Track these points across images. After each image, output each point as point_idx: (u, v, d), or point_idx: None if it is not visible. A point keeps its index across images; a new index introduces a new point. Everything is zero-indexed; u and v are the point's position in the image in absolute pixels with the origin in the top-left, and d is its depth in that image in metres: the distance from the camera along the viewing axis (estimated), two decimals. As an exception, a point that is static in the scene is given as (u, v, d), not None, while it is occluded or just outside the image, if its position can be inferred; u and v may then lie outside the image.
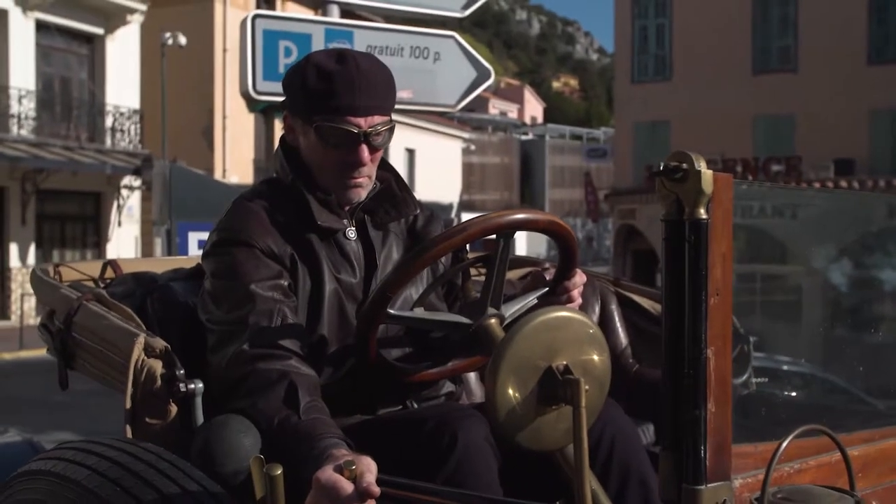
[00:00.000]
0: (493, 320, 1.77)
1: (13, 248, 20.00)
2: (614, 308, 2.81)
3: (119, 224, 22.14)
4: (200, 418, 1.73)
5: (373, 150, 1.88)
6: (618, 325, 2.73)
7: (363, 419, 1.82)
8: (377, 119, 1.86)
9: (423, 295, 1.89)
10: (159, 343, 1.79)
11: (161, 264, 2.55)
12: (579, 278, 1.90)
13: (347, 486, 1.29)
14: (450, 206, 33.70)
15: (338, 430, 1.57)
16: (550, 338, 1.08)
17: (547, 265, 3.06)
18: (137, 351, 1.77)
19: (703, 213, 1.16)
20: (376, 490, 1.29)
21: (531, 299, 1.90)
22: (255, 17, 7.31)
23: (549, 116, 55.94)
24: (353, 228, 1.92)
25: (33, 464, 1.36)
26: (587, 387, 1.03)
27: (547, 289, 1.91)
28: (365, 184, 1.91)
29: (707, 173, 1.16)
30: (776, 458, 1.11)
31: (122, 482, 1.20)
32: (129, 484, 1.20)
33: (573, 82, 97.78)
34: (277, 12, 9.07)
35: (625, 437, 1.67)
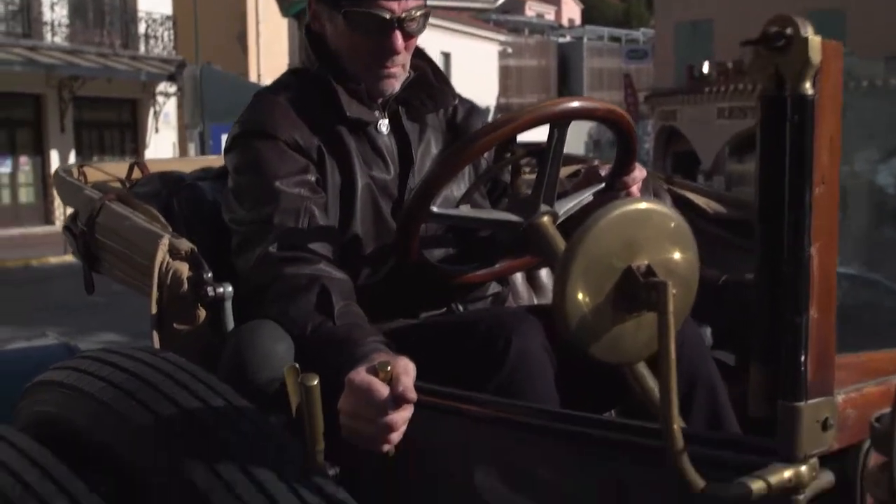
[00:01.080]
0: (545, 218, 1.64)
1: (53, 155, 20.06)
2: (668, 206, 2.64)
3: (157, 131, 22.13)
4: (231, 324, 1.61)
5: (407, 37, 1.71)
6: (672, 224, 2.57)
7: (405, 323, 1.70)
8: (411, 3, 1.69)
9: (468, 191, 1.75)
10: (185, 244, 1.66)
11: (189, 164, 2.42)
12: (639, 173, 1.76)
13: (382, 389, 1.16)
14: (487, 111, 33.23)
15: (377, 334, 1.44)
16: (629, 234, 0.91)
17: (597, 162, 2.89)
18: (162, 253, 1.65)
19: (808, 87, 0.97)
20: (413, 395, 1.16)
21: (586, 196, 1.75)
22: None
23: (588, 18, 54.47)
24: (386, 121, 1.77)
25: (48, 374, 1.24)
26: (674, 290, 0.87)
27: (603, 185, 1.76)
28: (398, 74, 1.75)
29: (815, 40, 0.96)
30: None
31: (138, 395, 1.07)
32: (145, 397, 1.07)
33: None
34: None
35: (690, 341, 1.53)
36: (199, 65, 18.08)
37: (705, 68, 23.26)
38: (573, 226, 1.77)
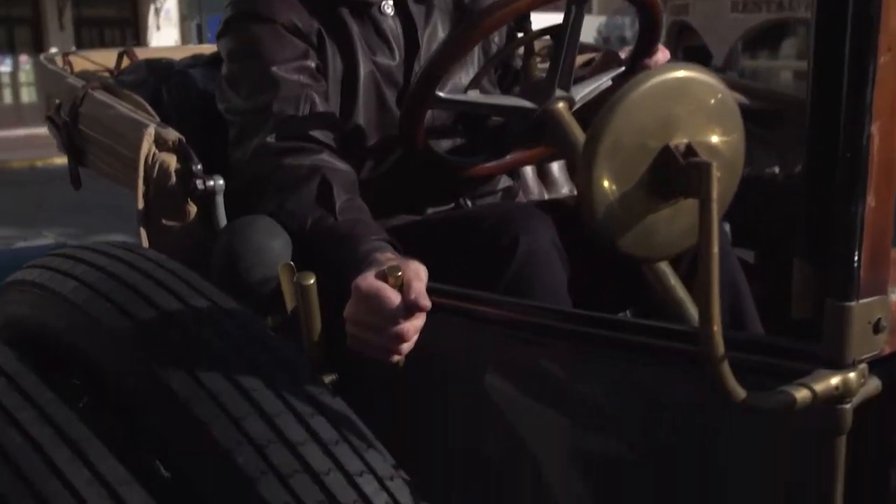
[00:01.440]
0: (561, 104, 1.52)
1: (53, 54, 19.72)
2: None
3: (158, 28, 21.68)
4: (223, 219, 1.51)
5: None
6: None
7: (408, 219, 1.60)
8: None
9: (478, 75, 1.64)
10: (172, 134, 1.55)
11: (180, 52, 2.28)
12: (662, 55, 1.62)
13: (392, 296, 1.05)
14: None
15: (382, 231, 1.33)
16: (665, 109, 0.78)
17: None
18: (147, 143, 1.54)
19: (877, -66, 0.83)
20: (427, 302, 1.05)
21: (605, 80, 1.63)
22: None
23: None
24: (391, 2, 1.63)
25: (22, 273, 1.14)
26: (718, 173, 0.74)
27: (622, 69, 1.63)
28: None
29: None
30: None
31: (112, 295, 0.97)
32: (120, 297, 0.96)
33: None
34: None
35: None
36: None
37: (721, -40, 22.56)
38: (590, 114, 1.68)
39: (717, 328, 0.73)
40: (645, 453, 1.02)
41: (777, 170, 2.28)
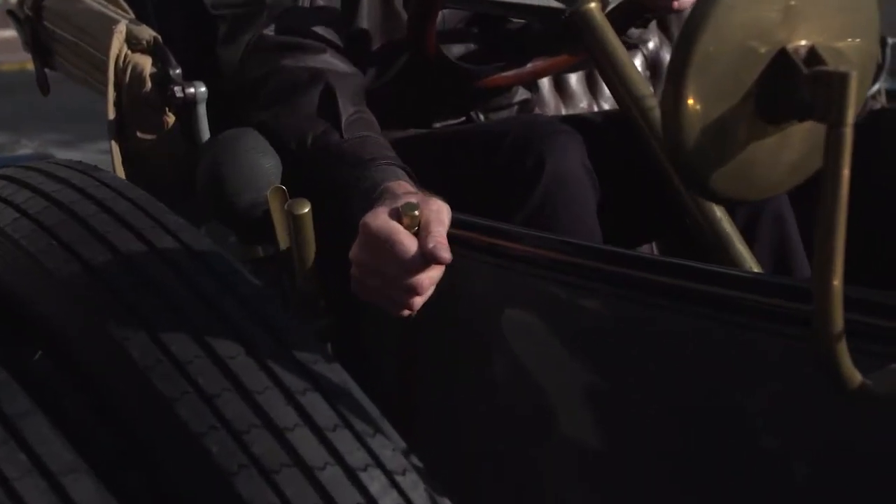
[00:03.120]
0: (593, 4, 1.34)
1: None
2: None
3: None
4: (206, 132, 1.34)
5: None
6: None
7: (414, 133, 1.42)
8: None
9: None
10: (147, 32, 1.36)
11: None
12: None
13: (407, 243, 0.85)
14: None
15: (394, 154, 1.15)
16: (780, 1, 0.58)
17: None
18: (118, 42, 1.36)
19: None
20: (447, 254, 0.85)
21: None
22: None
23: None
24: None
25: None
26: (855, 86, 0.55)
27: None
28: None
29: None
30: None
31: (59, 232, 0.78)
32: (69, 236, 0.77)
33: None
34: None
35: None
36: None
37: None
38: (621, 17, 1.49)
39: (837, 299, 0.55)
40: (703, 427, 0.86)
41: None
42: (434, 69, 1.39)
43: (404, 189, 1.01)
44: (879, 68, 2.18)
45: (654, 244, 1.54)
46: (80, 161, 0.94)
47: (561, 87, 1.94)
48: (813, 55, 0.58)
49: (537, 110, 1.69)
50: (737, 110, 0.57)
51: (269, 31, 1.30)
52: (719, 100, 0.57)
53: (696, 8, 0.57)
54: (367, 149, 1.15)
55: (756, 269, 1.13)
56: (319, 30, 1.31)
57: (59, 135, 7.80)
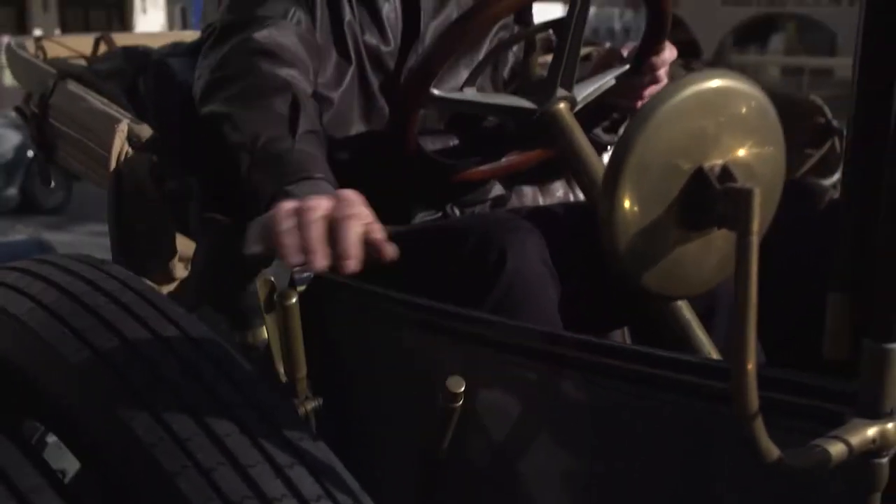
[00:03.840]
0: (562, 105, 1.43)
1: (37, 35, 19.50)
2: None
3: (144, 11, 21.45)
4: (196, 224, 1.42)
5: None
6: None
7: (392, 230, 1.49)
8: None
9: (474, 71, 1.53)
10: (146, 130, 1.46)
11: (160, 38, 2.17)
12: (669, 53, 1.54)
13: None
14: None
15: (331, 174, 1.22)
16: (699, 123, 0.69)
17: (608, 44, 2.65)
18: (120, 140, 1.46)
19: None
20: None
21: (608, 79, 1.54)
22: None
23: None
24: None
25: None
26: (760, 200, 0.65)
27: (627, 66, 1.55)
28: None
29: None
30: None
31: (71, 321, 0.87)
32: (80, 324, 0.86)
33: None
34: None
35: None
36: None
37: (712, -48, 22.54)
38: (589, 116, 1.59)
39: (752, 381, 0.64)
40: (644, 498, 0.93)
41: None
42: (413, 163, 1.47)
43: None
44: (838, 159, 2.31)
45: (625, 330, 1.61)
46: (89, 255, 1.03)
47: (541, 182, 2.04)
48: (726, 172, 0.68)
49: (515, 199, 1.75)
50: (665, 217, 0.67)
51: (256, 34, 1.36)
52: (649, 208, 0.67)
53: (629, 126, 0.68)
54: (310, 164, 1.20)
55: (714, 355, 1.20)
56: (299, 50, 1.37)
57: (55, 218, 7.91)
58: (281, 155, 1.20)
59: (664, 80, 1.55)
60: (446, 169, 1.52)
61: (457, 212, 1.57)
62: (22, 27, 19.63)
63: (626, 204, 0.66)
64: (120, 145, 1.45)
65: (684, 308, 1.23)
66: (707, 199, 0.67)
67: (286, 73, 1.32)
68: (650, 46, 1.51)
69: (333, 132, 1.46)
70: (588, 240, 1.36)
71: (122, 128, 1.45)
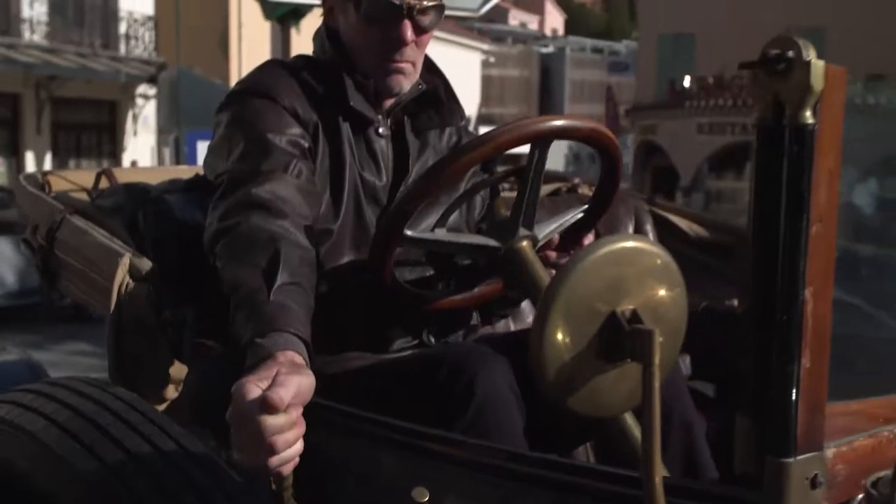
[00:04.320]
0: (524, 243, 1.58)
1: (29, 157, 19.77)
2: (649, 229, 2.61)
3: (135, 134, 21.87)
4: (189, 351, 1.54)
5: (419, 30, 1.66)
6: (652, 246, 2.51)
7: (368, 360, 1.62)
8: None
9: (445, 213, 1.67)
10: (146, 264, 1.60)
11: (160, 174, 2.34)
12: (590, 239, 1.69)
13: (252, 408, 1.05)
14: (468, 120, 33.01)
15: (305, 324, 1.33)
16: (614, 274, 0.85)
17: (577, 181, 2.84)
18: (122, 272, 1.59)
19: (809, 116, 0.91)
20: (280, 401, 1.05)
21: (567, 219, 1.69)
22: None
23: (571, 28, 54.62)
24: (387, 127, 1.71)
25: (-10, 408, 1.15)
26: (661, 338, 0.80)
27: (586, 206, 1.70)
28: (407, 71, 1.69)
29: (818, 64, 0.90)
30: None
31: (82, 437, 0.99)
32: (90, 440, 0.99)
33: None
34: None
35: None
36: (178, 68, 17.92)
37: (686, 82, 23.41)
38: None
39: (659, 492, 0.77)
40: None
41: (735, 302, 2.34)
42: (390, 294, 1.58)
43: (288, 359, 1.19)
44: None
45: (588, 446, 1.71)
46: (97, 378, 1.15)
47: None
48: (634, 315, 0.83)
49: (487, 328, 1.86)
50: (586, 352, 0.82)
51: (257, 190, 1.46)
52: (574, 342, 0.82)
53: (557, 274, 0.83)
54: (281, 317, 1.29)
55: (662, 472, 1.32)
56: (295, 201, 1.49)
57: (34, 336, 7.95)
58: (256, 306, 1.30)
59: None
60: (423, 299, 1.64)
61: (432, 339, 1.68)
62: (14, 148, 19.93)
63: (554, 341, 0.81)
64: (122, 277, 1.58)
65: (631, 423, 1.35)
66: (619, 337, 0.82)
67: (277, 225, 1.43)
68: (606, 191, 1.66)
69: (329, 262, 1.59)
70: None
71: (125, 261, 1.59)
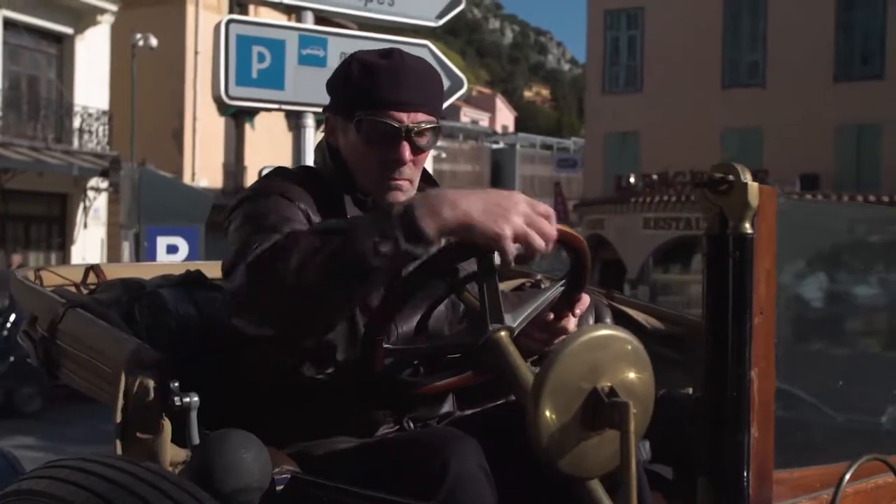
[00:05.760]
0: (503, 333, 1.65)
1: (-25, 248, 19.58)
2: (609, 322, 2.76)
3: (85, 226, 21.77)
4: (195, 435, 1.64)
5: (416, 150, 1.78)
6: (611, 338, 2.66)
7: (354, 445, 1.73)
8: (421, 117, 1.77)
9: (418, 326, 1.79)
10: (153, 353, 1.70)
11: (147, 270, 2.47)
12: (586, 300, 1.81)
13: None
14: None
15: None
16: (593, 358, 1.02)
17: (539, 276, 3.00)
18: (128, 360, 1.69)
19: (748, 227, 1.11)
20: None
21: (540, 305, 1.74)
22: (230, 21, 7.20)
23: (521, 125, 56.06)
24: None
25: (23, 483, 1.26)
26: (634, 410, 0.98)
27: (559, 291, 1.80)
28: (405, 188, 1.80)
29: (753, 185, 1.11)
30: (841, 490, 1.06)
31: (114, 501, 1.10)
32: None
33: (545, 92, 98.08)
34: (252, 18, 9.05)
35: None
36: (135, 161, 18.05)
37: (632, 179, 24.13)
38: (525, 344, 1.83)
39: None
40: None
41: (690, 390, 2.49)
42: (378, 382, 1.68)
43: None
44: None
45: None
46: (118, 453, 1.25)
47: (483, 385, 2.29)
48: (612, 391, 1.00)
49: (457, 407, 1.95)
50: (572, 422, 0.98)
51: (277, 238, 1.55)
52: (562, 415, 0.98)
53: (545, 363, 1.00)
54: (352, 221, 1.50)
55: None
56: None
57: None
58: (345, 227, 1.49)
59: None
60: (407, 385, 1.73)
61: (412, 425, 1.79)
62: (-38, 241, 19.67)
63: (546, 412, 0.98)
64: (128, 365, 1.68)
65: (598, 487, 1.48)
66: (600, 409, 0.99)
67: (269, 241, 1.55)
68: (574, 287, 1.74)
69: (324, 355, 1.71)
70: (518, 438, 1.49)
71: (130, 349, 1.70)
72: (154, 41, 21.54)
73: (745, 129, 24.21)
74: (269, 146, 23.18)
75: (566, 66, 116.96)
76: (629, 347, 1.09)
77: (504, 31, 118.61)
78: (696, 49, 24.19)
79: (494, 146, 45.38)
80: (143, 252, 8.24)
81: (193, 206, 8.86)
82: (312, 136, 7.73)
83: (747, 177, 1.12)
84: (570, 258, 1.73)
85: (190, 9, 24.53)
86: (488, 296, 1.64)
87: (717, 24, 24.57)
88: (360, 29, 7.57)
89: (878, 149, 22.84)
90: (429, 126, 1.78)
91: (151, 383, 1.66)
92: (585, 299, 1.79)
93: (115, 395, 1.66)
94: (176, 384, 1.66)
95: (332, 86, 1.86)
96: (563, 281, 1.73)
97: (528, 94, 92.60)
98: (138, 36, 21.27)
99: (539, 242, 1.45)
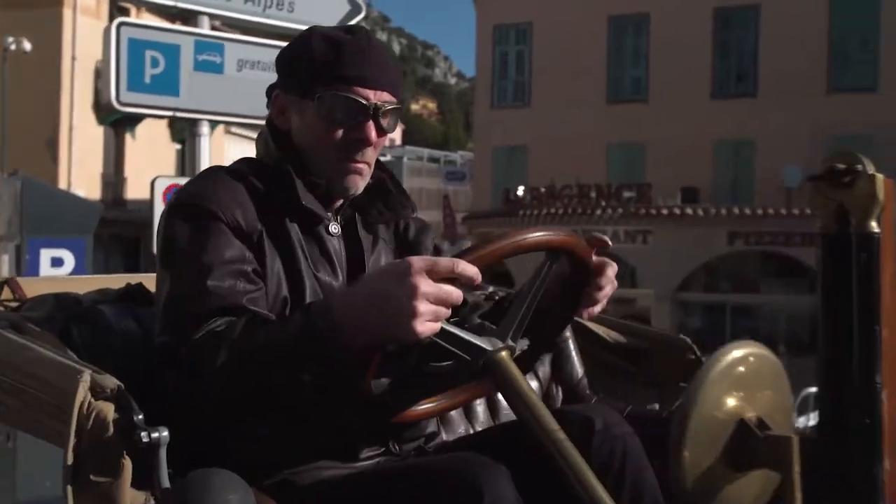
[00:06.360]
0: (504, 353, 1.54)
1: None
2: (569, 335, 2.64)
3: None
4: (164, 477, 1.40)
5: (380, 131, 1.65)
6: (573, 353, 2.57)
7: (342, 472, 1.56)
8: (386, 96, 1.65)
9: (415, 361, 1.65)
10: (111, 381, 1.46)
11: (74, 284, 2.17)
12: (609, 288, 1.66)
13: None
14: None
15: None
16: (734, 384, 0.85)
17: (491, 289, 2.84)
18: (83, 391, 1.43)
19: (874, 225, 0.96)
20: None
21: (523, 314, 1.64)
22: (121, 24, 6.82)
23: (408, 138, 56.21)
24: (338, 225, 1.69)
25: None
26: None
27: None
28: (364, 171, 1.69)
29: (880, 178, 0.96)
30: None
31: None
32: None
33: (431, 105, 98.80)
34: (144, 21, 8.66)
35: (634, 454, 1.45)
36: (6, 171, 17.08)
37: (520, 192, 24.41)
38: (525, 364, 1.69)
39: None
40: None
41: (657, 406, 2.39)
42: (366, 403, 1.52)
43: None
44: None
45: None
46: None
47: (468, 410, 2.14)
48: (762, 423, 0.84)
49: (442, 433, 1.86)
50: (720, 458, 0.81)
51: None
52: (708, 451, 0.81)
53: (685, 397, 0.83)
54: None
55: None
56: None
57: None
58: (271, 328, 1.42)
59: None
60: (393, 408, 1.59)
61: (397, 448, 1.65)
62: None
63: (690, 451, 0.80)
64: (83, 396, 1.43)
65: None
66: (750, 445, 0.82)
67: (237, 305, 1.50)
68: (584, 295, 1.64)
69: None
70: (537, 460, 1.42)
71: (86, 378, 1.44)
72: (28, 45, 20.54)
73: (628, 144, 24.84)
74: (150, 157, 22.44)
75: (453, 80, 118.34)
76: (769, 365, 0.92)
77: (391, 44, 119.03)
78: (583, 64, 24.70)
79: (382, 159, 45.27)
80: (25, 264, 7.68)
81: (80, 217, 8.35)
82: (208, 145, 7.39)
83: (872, 167, 0.97)
84: (546, 255, 1.62)
85: (67, 13, 23.50)
86: (454, 341, 1.52)
87: (602, 40, 25.15)
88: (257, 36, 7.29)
89: (752, 163, 23.77)
90: (392, 107, 1.66)
91: (111, 417, 1.42)
92: (612, 268, 1.63)
93: (66, 433, 1.42)
94: (140, 417, 1.42)
95: (285, 61, 1.71)
96: (534, 277, 1.63)
97: (414, 107, 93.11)
98: (10, 39, 20.23)
99: (455, 299, 1.37)
